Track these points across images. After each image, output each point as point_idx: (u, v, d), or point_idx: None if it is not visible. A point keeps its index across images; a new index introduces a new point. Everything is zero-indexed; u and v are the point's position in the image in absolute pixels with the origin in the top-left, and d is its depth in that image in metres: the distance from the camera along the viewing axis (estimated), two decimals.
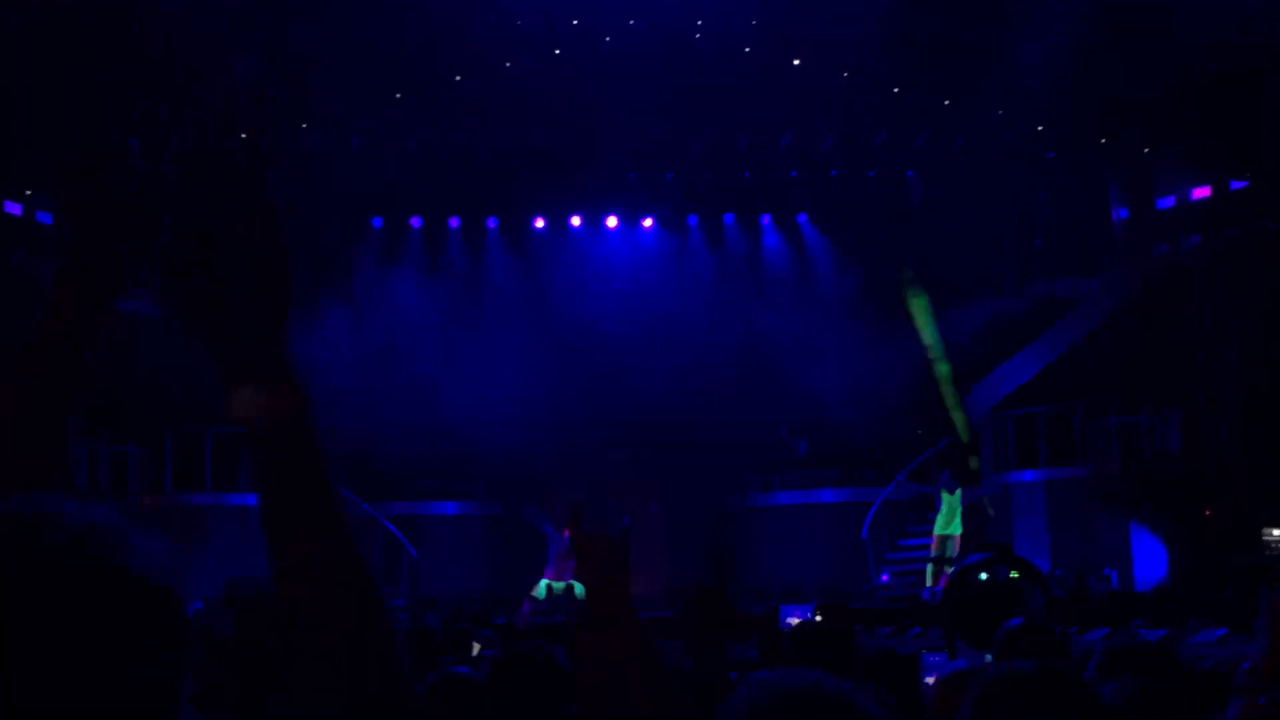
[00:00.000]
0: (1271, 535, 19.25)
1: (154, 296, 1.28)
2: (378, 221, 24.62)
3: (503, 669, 3.45)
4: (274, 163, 19.95)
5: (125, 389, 19.89)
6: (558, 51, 20.21)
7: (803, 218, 25.29)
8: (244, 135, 20.14)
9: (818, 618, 7.30)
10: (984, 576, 6.13)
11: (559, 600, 18.22)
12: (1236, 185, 21.75)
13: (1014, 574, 6.32)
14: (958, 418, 20.79)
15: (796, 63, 20.67)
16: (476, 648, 11.71)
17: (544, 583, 18.61)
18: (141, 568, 1.15)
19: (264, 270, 1.25)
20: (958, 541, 19.37)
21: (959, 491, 19.58)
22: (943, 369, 20.94)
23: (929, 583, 19.34)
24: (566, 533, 18.45)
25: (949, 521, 19.53)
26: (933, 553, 19.60)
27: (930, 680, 5.28)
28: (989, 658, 4.72)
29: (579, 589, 17.28)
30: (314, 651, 1.28)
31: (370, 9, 18.60)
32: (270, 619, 1.44)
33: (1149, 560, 19.54)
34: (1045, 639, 4.71)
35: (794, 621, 5.40)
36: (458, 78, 20.73)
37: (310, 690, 1.28)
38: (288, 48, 18.87)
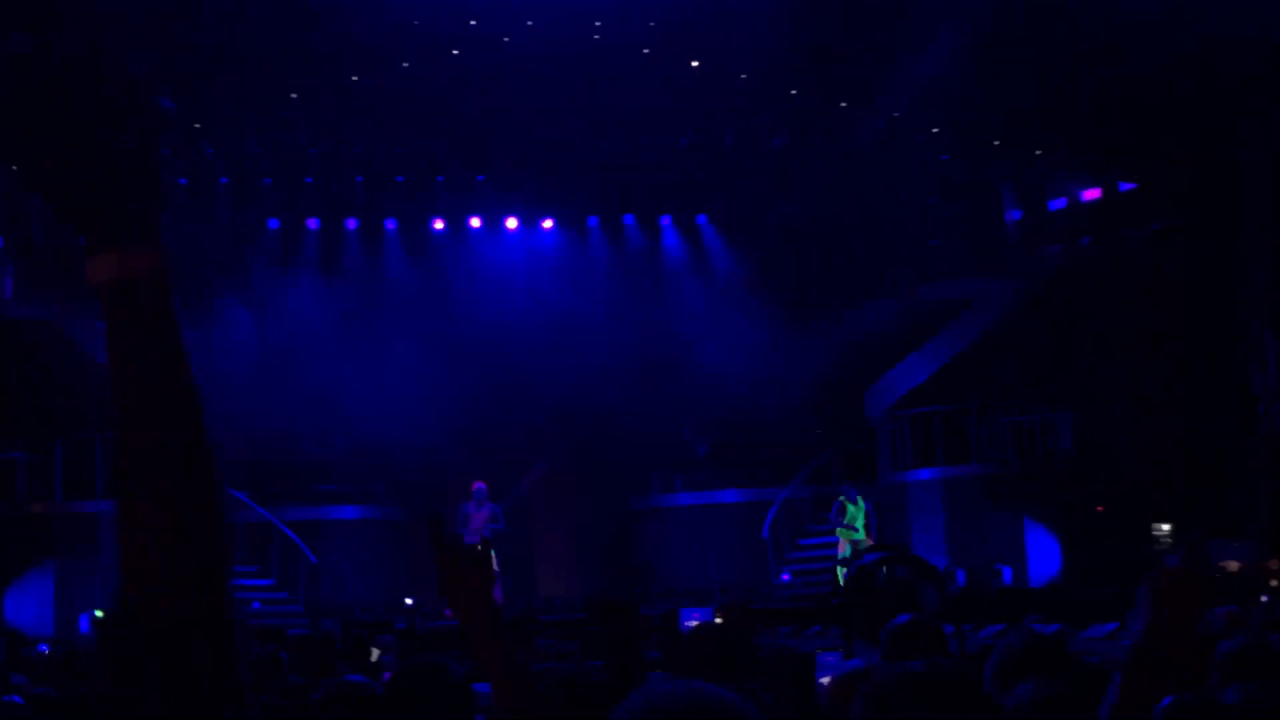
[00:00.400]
0: (1160, 530, 19.71)
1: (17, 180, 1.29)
2: (274, 223, 24.29)
3: (401, 682, 3.40)
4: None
5: (13, 396, 19.50)
6: (456, 52, 20.09)
7: (702, 218, 25.40)
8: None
9: (717, 620, 7.34)
10: (881, 573, 6.19)
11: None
12: (1125, 187, 22.21)
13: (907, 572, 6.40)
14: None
15: (695, 64, 20.75)
16: (375, 653, 11.62)
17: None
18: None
19: (125, 137, 1.26)
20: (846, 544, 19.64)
21: (861, 500, 19.71)
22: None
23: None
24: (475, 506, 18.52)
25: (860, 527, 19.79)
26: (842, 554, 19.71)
27: (825, 680, 5.31)
28: None
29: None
30: (146, 616, 1.29)
31: (265, 8, 18.35)
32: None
33: (1042, 556, 19.91)
34: (929, 636, 4.78)
35: (693, 624, 5.42)
36: (354, 78, 20.53)
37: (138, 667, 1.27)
38: (182, 47, 18.56)
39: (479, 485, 18.67)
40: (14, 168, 1.27)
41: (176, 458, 1.27)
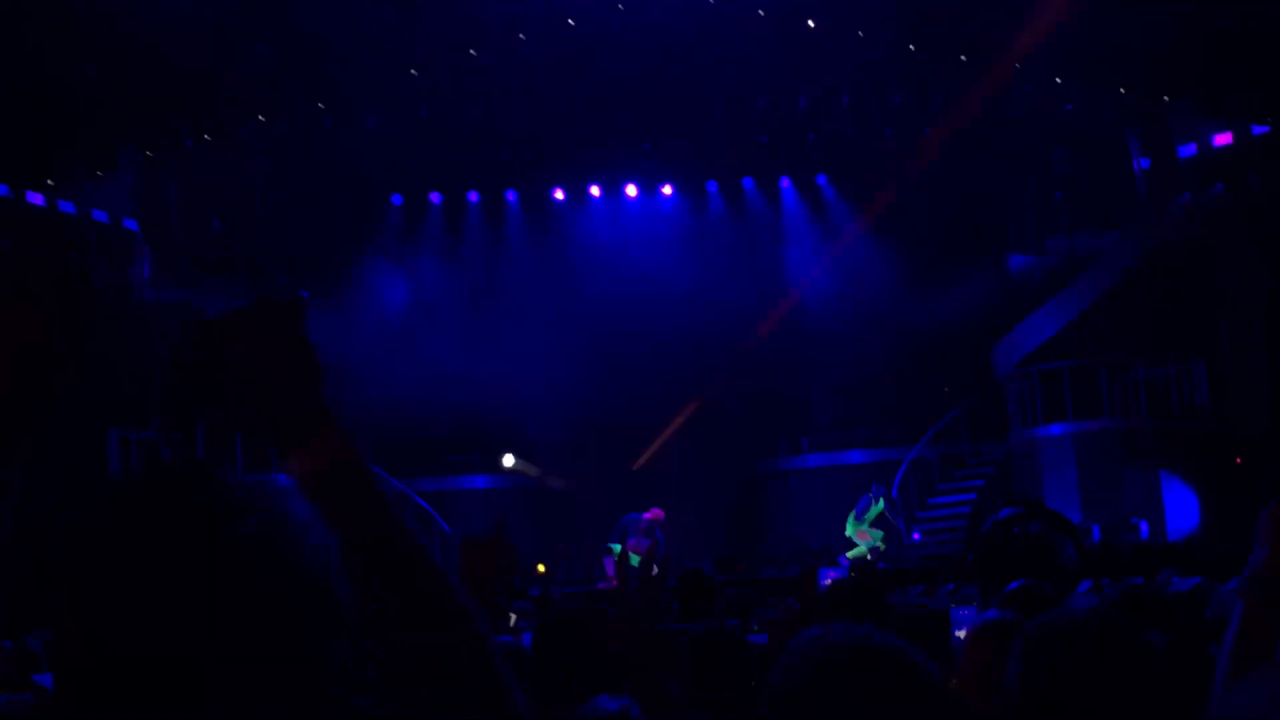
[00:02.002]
0: None
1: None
2: (397, 198, 24.65)
3: (546, 636, 3.52)
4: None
5: (152, 377, 20.05)
6: (571, 21, 20.17)
7: (822, 178, 25.22)
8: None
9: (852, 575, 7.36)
10: (1016, 529, 6.15)
11: (629, 570, 18.45)
12: (1259, 130, 21.59)
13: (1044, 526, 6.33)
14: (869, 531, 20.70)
15: (811, 24, 20.60)
16: (513, 618, 11.82)
17: (618, 546, 18.94)
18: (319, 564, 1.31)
19: (294, 357, 1.44)
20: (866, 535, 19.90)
21: (883, 502, 20.05)
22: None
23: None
24: (645, 514, 19.00)
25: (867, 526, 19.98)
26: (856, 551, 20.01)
27: (961, 634, 5.32)
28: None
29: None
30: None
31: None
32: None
33: (1180, 511, 19.55)
34: (1044, 598, 4.75)
35: (829, 581, 5.47)
36: (471, 51, 20.72)
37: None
38: (299, 29, 18.89)
39: (657, 514, 19.21)
40: (205, 410, 1.45)
41: (421, 604, 1.47)
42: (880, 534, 20.21)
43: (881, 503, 20.22)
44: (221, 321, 1.44)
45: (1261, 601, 2.40)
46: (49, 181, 20.85)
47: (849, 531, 20.27)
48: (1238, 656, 2.43)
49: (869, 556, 19.80)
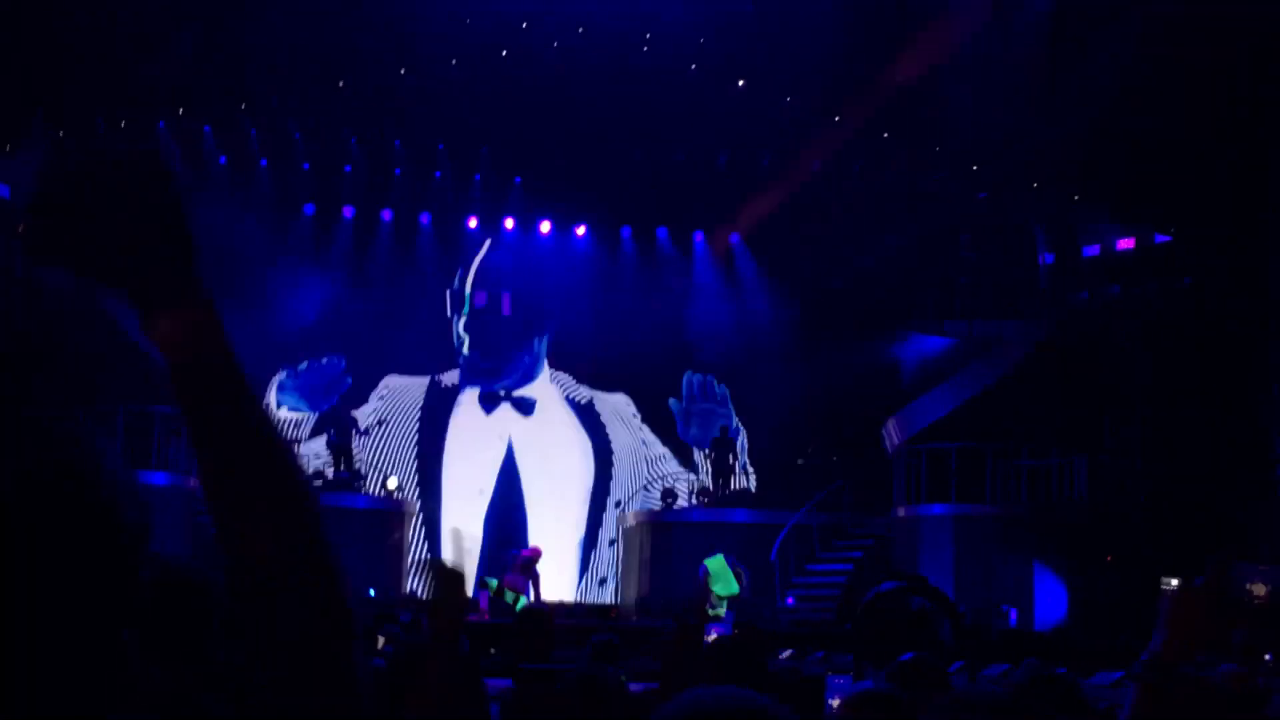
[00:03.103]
0: (1169, 585, 19.66)
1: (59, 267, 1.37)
2: (309, 208, 24.43)
3: (406, 657, 3.47)
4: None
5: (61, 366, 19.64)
6: (504, 53, 20.22)
7: (735, 237, 25.45)
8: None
9: (735, 632, 7.39)
10: (899, 603, 6.24)
11: (503, 606, 18.43)
12: (1160, 239, 22.21)
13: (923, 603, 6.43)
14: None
15: (741, 84, 20.84)
16: (381, 641, 11.67)
17: (494, 581, 18.78)
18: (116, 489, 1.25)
19: (158, 214, 1.35)
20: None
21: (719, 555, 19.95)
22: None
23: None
24: (524, 551, 18.88)
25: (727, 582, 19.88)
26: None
27: (835, 702, 5.36)
28: None
29: (521, 602, 17.60)
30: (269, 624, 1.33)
31: (322, 2, 18.58)
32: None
33: (1049, 600, 19.87)
34: (939, 674, 4.81)
35: (712, 637, 5.49)
36: (401, 71, 20.68)
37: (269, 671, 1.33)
38: (226, 28, 18.77)
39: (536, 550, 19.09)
40: (60, 260, 1.36)
41: (268, 485, 1.36)
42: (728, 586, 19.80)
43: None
44: (88, 160, 1.34)
45: (1156, 688, 2.44)
46: None
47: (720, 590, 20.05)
48: None
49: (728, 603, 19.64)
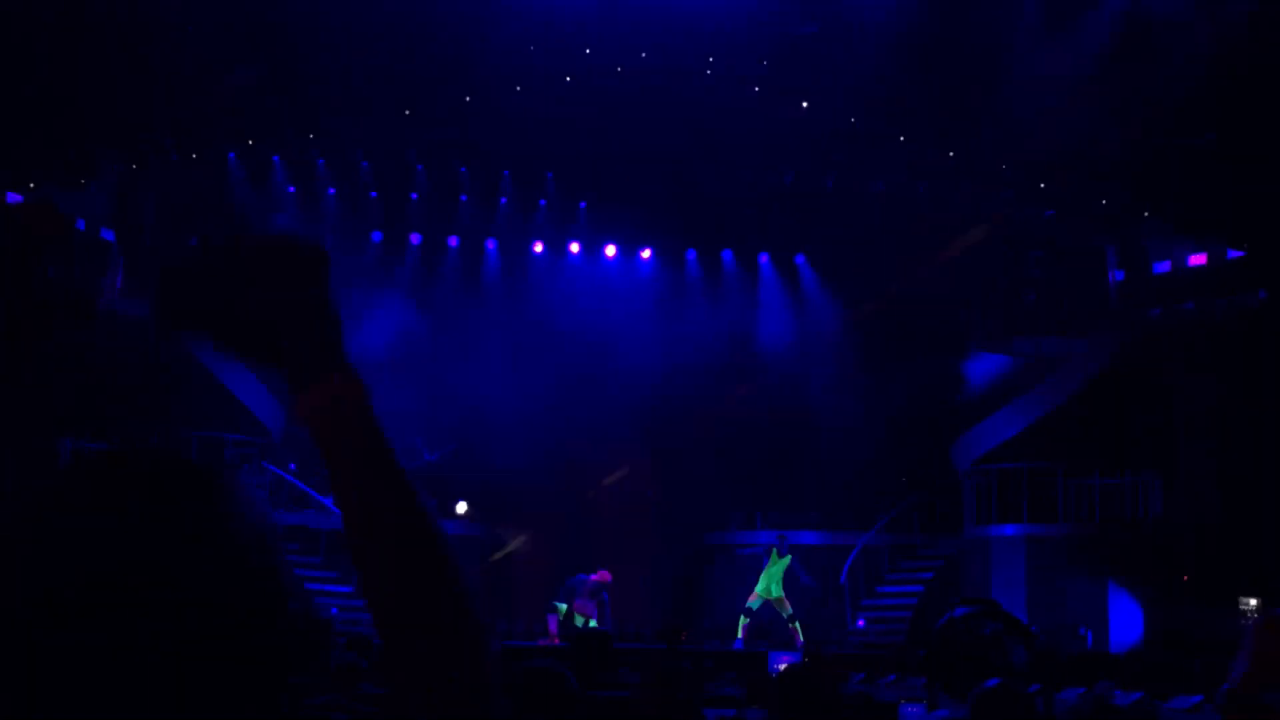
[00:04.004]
0: (1247, 604, 19.35)
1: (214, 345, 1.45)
2: (377, 235, 24.66)
3: (514, 691, 3.46)
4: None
5: (115, 390, 19.93)
6: (568, 79, 20.32)
7: (800, 258, 25.40)
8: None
9: (805, 662, 7.36)
10: (971, 628, 6.18)
11: (572, 629, 18.51)
12: (1232, 255, 21.90)
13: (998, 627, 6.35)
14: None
15: (805, 105, 20.81)
16: None
17: (564, 606, 18.85)
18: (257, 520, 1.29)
19: (305, 301, 1.44)
20: (781, 602, 19.58)
21: (789, 557, 19.75)
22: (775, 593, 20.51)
23: (739, 634, 19.53)
24: (593, 576, 18.93)
25: (770, 583, 19.66)
26: (752, 604, 19.71)
27: None
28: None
29: (590, 626, 17.66)
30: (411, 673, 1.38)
31: (386, 32, 18.75)
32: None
33: (1125, 622, 19.63)
34: (1018, 701, 4.76)
35: (783, 666, 5.47)
36: (467, 99, 20.83)
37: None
38: (293, 56, 18.99)
39: (604, 575, 19.08)
40: (211, 338, 1.44)
41: (409, 558, 1.42)
42: (765, 588, 19.71)
43: (787, 558, 19.76)
44: (245, 244, 1.43)
45: (1238, 714, 2.42)
46: (30, 185, 20.78)
47: (761, 589, 19.90)
48: None
49: (752, 621, 19.62)
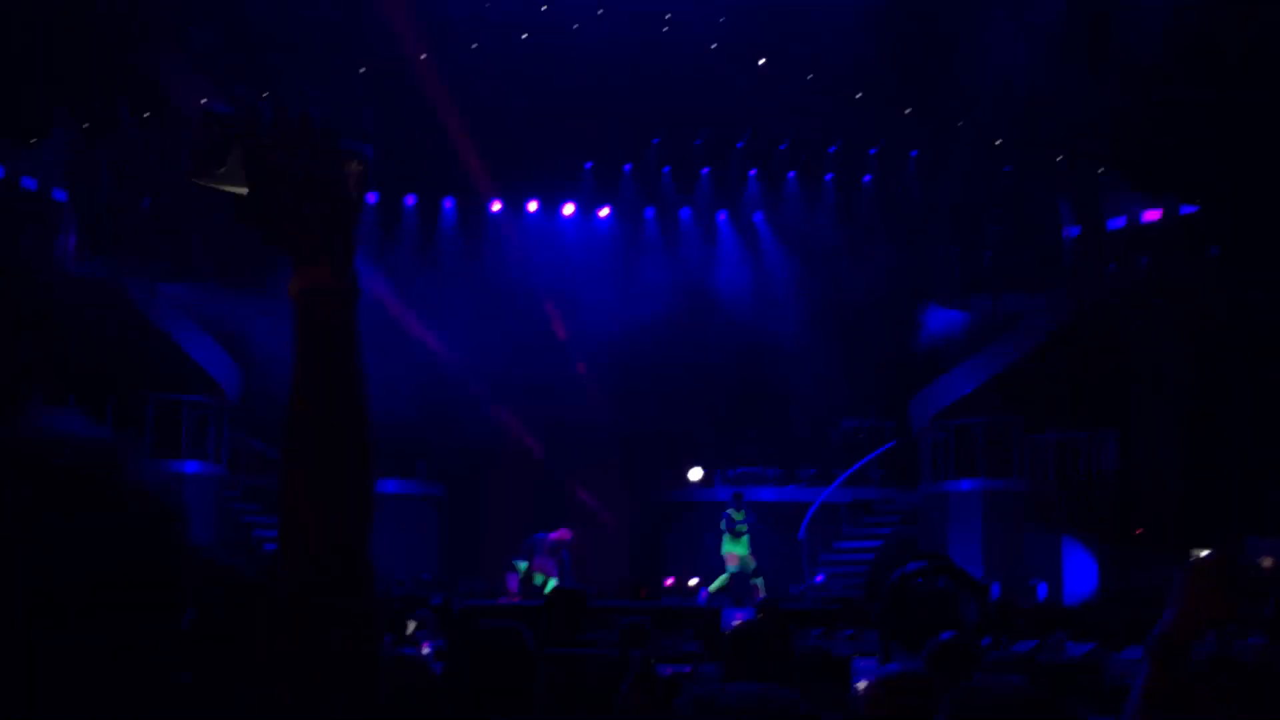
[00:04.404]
0: (1200, 555, 19.53)
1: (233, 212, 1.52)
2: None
3: (473, 647, 3.42)
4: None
5: (69, 353, 19.76)
6: (524, 36, 20.21)
7: (759, 216, 25.39)
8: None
9: (759, 616, 7.43)
10: (921, 582, 6.23)
11: (532, 589, 18.61)
12: (1186, 210, 22.03)
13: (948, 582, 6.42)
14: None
15: (761, 62, 20.78)
16: (411, 626, 11.76)
17: (524, 564, 18.93)
18: (149, 487, 1.29)
19: (328, 186, 1.53)
20: (736, 559, 19.83)
21: (743, 511, 20.00)
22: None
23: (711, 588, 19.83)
24: (552, 534, 19.00)
25: (736, 539, 19.90)
26: (732, 567, 19.95)
27: (860, 684, 5.38)
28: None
29: (550, 584, 17.74)
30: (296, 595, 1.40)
31: None
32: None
33: (1079, 575, 19.84)
34: (970, 653, 4.82)
35: (736, 622, 5.50)
36: (423, 56, 20.68)
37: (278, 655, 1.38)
38: (246, 15, 18.82)
39: (564, 534, 19.20)
40: (235, 198, 1.52)
41: (339, 451, 1.46)
42: (746, 553, 19.94)
43: (740, 513, 20.00)
44: (297, 119, 1.52)
45: (1166, 662, 2.45)
46: None
47: (724, 550, 20.10)
48: (1141, 716, 2.47)
49: (731, 584, 19.80)
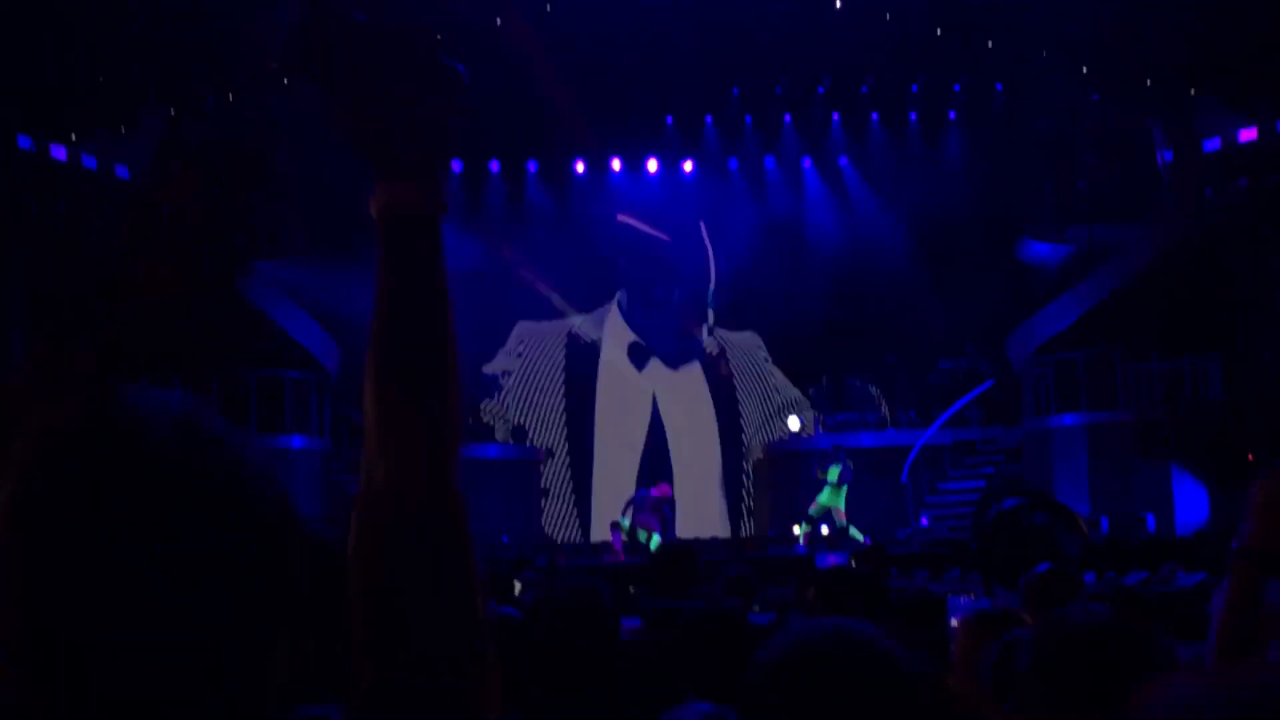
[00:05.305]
0: None
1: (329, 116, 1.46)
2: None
3: (551, 604, 3.44)
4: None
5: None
6: None
7: (844, 160, 25.15)
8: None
9: (851, 563, 7.40)
10: (1021, 519, 6.19)
11: (638, 546, 18.76)
12: None
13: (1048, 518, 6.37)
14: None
15: (839, 4, 20.54)
16: (518, 587, 11.87)
17: (626, 522, 19.12)
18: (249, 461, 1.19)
19: (426, 99, 1.47)
20: (838, 512, 19.80)
21: (838, 465, 19.92)
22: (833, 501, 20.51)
23: (800, 540, 19.83)
24: (654, 490, 19.16)
25: (831, 495, 19.87)
26: (813, 511, 19.96)
27: (954, 621, 5.35)
28: None
29: (654, 541, 17.85)
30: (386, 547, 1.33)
31: None
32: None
33: (1189, 506, 19.53)
34: (1067, 584, 4.78)
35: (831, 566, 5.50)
36: (497, 20, 20.71)
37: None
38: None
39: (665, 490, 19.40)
40: (332, 103, 1.45)
41: (425, 378, 1.42)
42: (838, 505, 19.97)
43: (833, 470, 20.01)
44: (404, 30, 1.45)
45: (1246, 573, 2.43)
46: (72, 136, 20.90)
47: (818, 499, 20.12)
48: (1224, 631, 2.46)
49: (821, 526, 19.87)
